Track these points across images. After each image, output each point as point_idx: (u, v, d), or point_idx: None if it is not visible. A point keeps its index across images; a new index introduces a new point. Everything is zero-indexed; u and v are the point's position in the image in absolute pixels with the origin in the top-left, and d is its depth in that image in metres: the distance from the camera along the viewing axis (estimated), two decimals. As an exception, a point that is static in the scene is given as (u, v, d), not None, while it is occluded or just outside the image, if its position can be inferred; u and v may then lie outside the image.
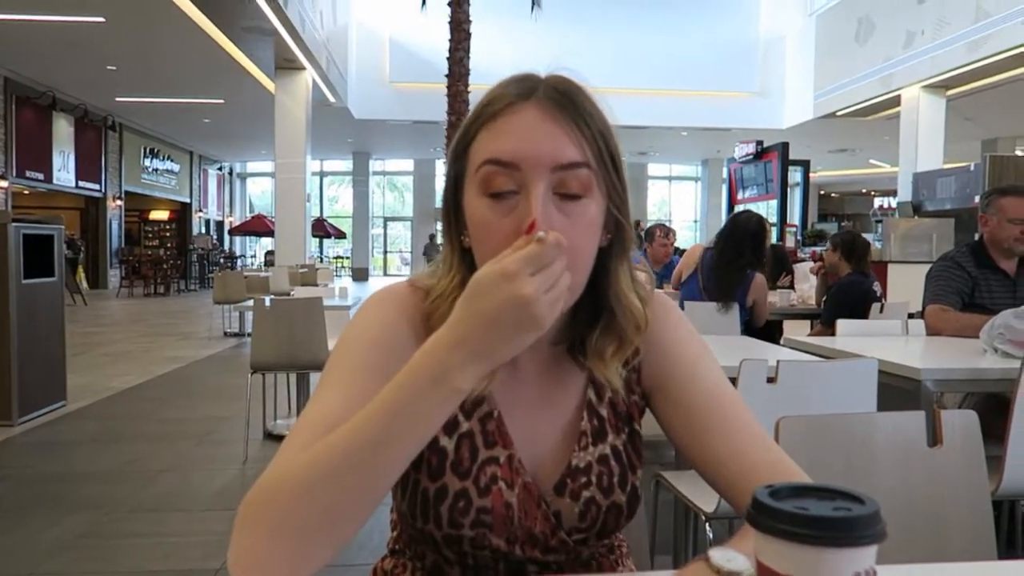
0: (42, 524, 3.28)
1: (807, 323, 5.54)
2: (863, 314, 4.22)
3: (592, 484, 1.03)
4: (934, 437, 1.48)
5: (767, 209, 13.44)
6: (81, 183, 17.70)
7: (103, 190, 18.90)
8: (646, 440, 1.14)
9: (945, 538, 1.45)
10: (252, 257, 28.51)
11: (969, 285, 3.33)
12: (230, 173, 28.62)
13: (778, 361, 2.12)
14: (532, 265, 0.76)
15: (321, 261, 19.59)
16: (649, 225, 7.00)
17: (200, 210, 25.39)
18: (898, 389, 2.48)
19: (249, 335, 5.08)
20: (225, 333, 10.25)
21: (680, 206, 27.12)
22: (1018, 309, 2.76)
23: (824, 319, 4.54)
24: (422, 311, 1.01)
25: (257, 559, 0.83)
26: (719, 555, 0.79)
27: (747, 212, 4.45)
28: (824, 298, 4.94)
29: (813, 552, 0.66)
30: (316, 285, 9.42)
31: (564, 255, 0.79)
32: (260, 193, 30.43)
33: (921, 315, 3.51)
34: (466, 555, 1.02)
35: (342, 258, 28.78)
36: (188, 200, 24.39)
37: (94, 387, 6.27)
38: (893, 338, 3.33)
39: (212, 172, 26.69)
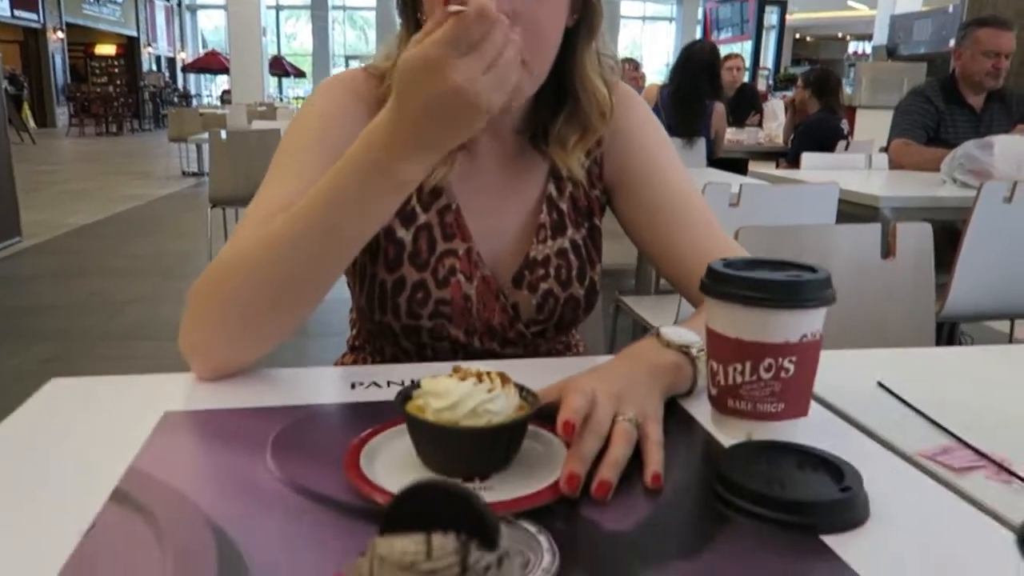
0: (3, 355, 3.28)
1: (773, 163, 5.55)
2: (830, 152, 4.23)
3: (550, 277, 1.04)
4: (888, 249, 1.51)
5: (741, 50, 13.09)
6: (17, 12, 16.52)
7: (42, 21, 17.69)
8: (606, 268, 1.14)
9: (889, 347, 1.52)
10: (208, 96, 27.37)
11: (935, 120, 3.33)
12: (179, 4, 26.86)
13: (741, 185, 2.13)
14: (455, 46, 0.66)
15: (281, 101, 18.88)
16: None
17: (149, 45, 24.02)
18: (857, 217, 2.52)
19: (207, 174, 4.94)
20: (183, 172, 9.99)
21: (653, 48, 26.34)
22: (980, 140, 2.77)
23: (790, 157, 4.55)
24: (376, 96, 0.96)
25: (206, 341, 0.84)
26: (670, 331, 0.81)
27: (700, 42, 4.37)
28: (792, 137, 4.92)
29: (762, 314, 0.67)
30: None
31: (503, 25, 0.68)
32: (213, 28, 28.74)
33: (886, 150, 3.53)
34: (425, 347, 1.04)
35: (302, 98, 27.76)
36: (135, 34, 23.01)
37: (51, 224, 6.14)
38: (856, 171, 3.36)
39: (159, 3, 25.02)
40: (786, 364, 0.68)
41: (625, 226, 1.10)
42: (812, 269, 0.70)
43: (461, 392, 0.62)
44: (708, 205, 1.07)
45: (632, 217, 1.08)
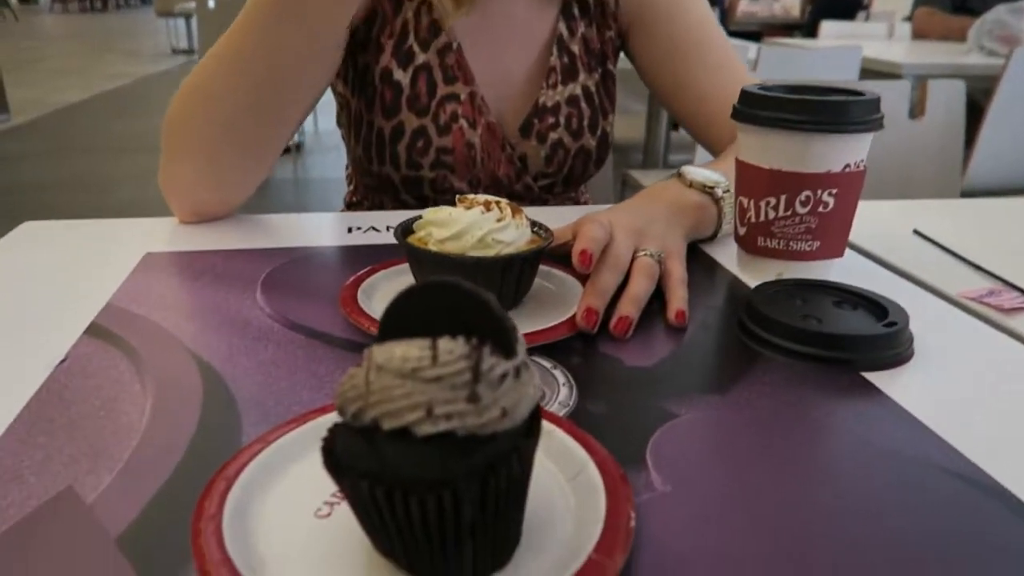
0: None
1: (788, 37, 5.31)
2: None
3: (560, 125, 0.96)
4: (918, 108, 1.42)
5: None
6: None
7: None
8: (613, 143, 1.06)
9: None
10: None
11: (963, -14, 3.13)
12: None
13: (759, 47, 2.00)
14: None
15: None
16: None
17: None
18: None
19: (197, 52, 4.73)
20: (173, 50, 9.62)
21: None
22: (1013, 4, 2.60)
23: (806, 29, 4.33)
24: None
25: (175, 176, 0.79)
26: (693, 170, 0.74)
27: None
28: (808, 8, 4.67)
29: (803, 140, 0.60)
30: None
31: None
32: None
33: (909, 19, 3.34)
34: (427, 199, 0.97)
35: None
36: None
37: (39, 102, 5.95)
38: (877, 39, 3.19)
39: None
40: (825, 197, 0.61)
41: (641, 69, 1.01)
42: (858, 93, 0.63)
43: (467, 221, 0.55)
44: (731, 45, 0.98)
45: (649, 57, 0.99)
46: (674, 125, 2.74)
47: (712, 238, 0.75)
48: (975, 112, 2.29)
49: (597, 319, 0.55)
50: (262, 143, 0.79)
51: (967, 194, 2.30)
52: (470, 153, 0.93)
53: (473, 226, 0.55)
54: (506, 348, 0.31)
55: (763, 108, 0.61)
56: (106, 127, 5.36)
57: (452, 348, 0.30)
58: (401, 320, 0.32)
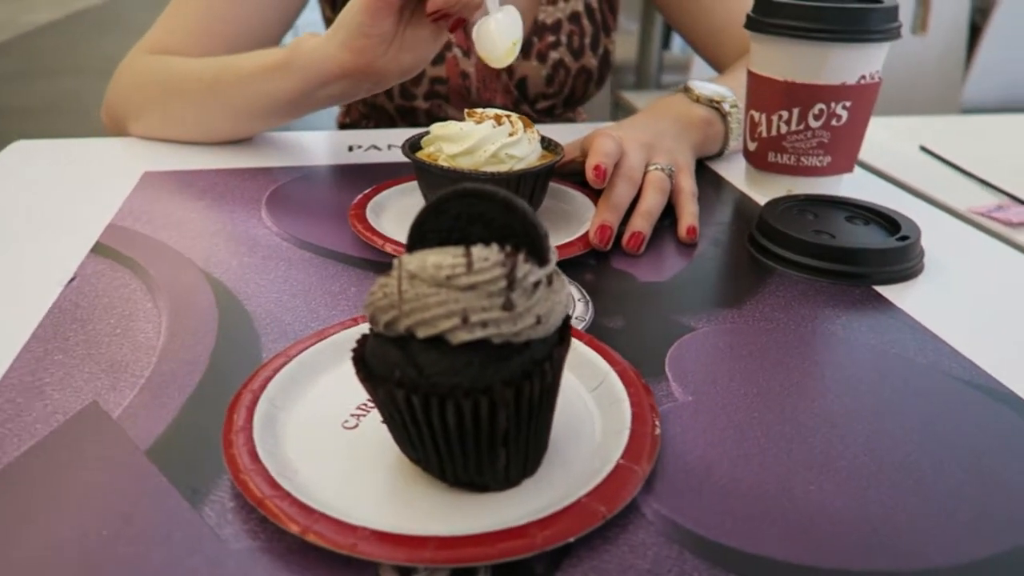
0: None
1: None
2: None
3: (561, 44, 0.93)
4: (920, 23, 1.39)
5: None
6: None
7: None
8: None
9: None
10: None
11: None
12: None
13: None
14: None
15: None
16: None
17: None
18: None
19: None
20: (146, -33, 9.23)
21: None
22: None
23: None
24: None
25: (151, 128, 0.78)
26: (700, 84, 0.72)
27: None
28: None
29: (819, 50, 0.59)
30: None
31: None
32: None
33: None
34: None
35: None
36: None
37: (9, 22, 5.72)
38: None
39: None
40: (839, 110, 0.60)
41: None
42: (875, 0, 0.61)
43: (479, 135, 0.54)
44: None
45: None
46: (666, 44, 2.68)
47: (719, 155, 0.74)
48: (974, 31, 2.25)
49: (611, 235, 0.55)
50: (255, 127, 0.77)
51: (965, 111, 2.28)
52: (464, 83, 0.91)
53: (486, 140, 0.54)
54: (539, 256, 0.30)
55: (777, 16, 0.60)
56: (80, 48, 5.18)
57: (487, 256, 0.29)
58: (432, 230, 0.32)
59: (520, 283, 0.29)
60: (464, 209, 0.31)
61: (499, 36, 0.59)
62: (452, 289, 0.29)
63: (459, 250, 0.30)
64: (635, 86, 2.77)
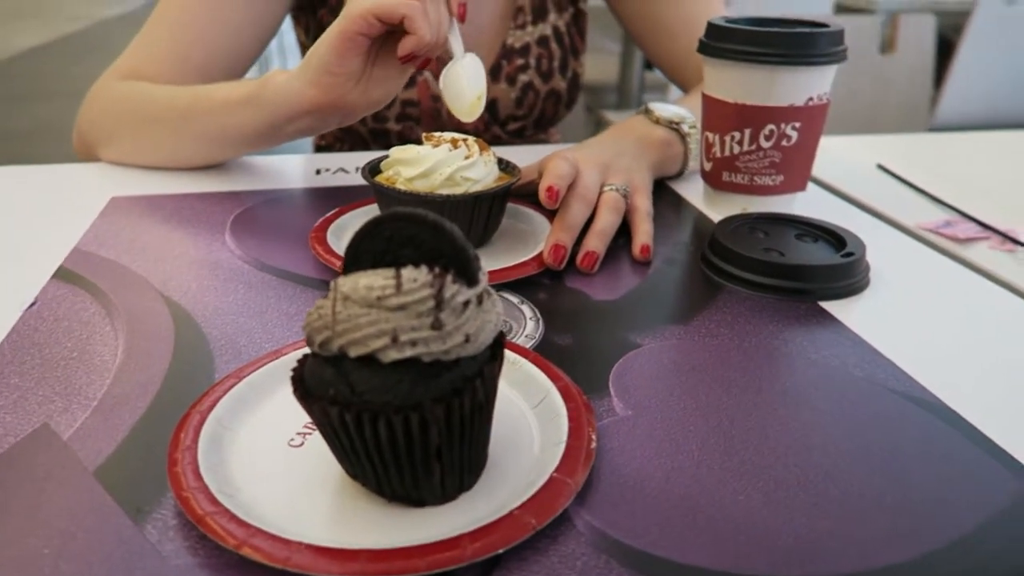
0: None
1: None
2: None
3: (530, 68, 0.95)
4: (888, 43, 1.42)
5: None
6: None
7: None
8: (587, 85, 1.05)
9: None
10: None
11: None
12: None
13: (733, -18, 1.98)
14: None
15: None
16: None
17: None
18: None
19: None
20: (133, -8, 9.28)
21: None
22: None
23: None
24: None
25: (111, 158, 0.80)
26: (659, 106, 0.74)
27: None
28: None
29: (767, 73, 0.60)
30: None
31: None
32: None
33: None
34: None
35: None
36: None
37: (-6, 47, 5.74)
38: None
39: None
40: (788, 131, 0.62)
41: (613, 5, 1.01)
42: (824, 25, 0.63)
43: (435, 158, 0.56)
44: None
45: None
46: (647, 65, 2.72)
47: (679, 175, 0.76)
48: (945, 49, 2.30)
49: (565, 255, 0.56)
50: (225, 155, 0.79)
51: (936, 131, 2.32)
52: (435, 105, 0.92)
53: (441, 164, 0.55)
54: (468, 276, 0.32)
55: (727, 41, 0.62)
56: (66, 72, 5.20)
57: (416, 277, 0.31)
58: (366, 252, 0.33)
59: (448, 303, 0.31)
60: (396, 232, 0.32)
61: (466, 86, 0.61)
62: (382, 309, 0.30)
63: (390, 272, 0.31)
64: (616, 106, 2.80)
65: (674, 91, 1.68)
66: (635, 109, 2.42)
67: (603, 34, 2.79)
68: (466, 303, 0.31)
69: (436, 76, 0.91)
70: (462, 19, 0.63)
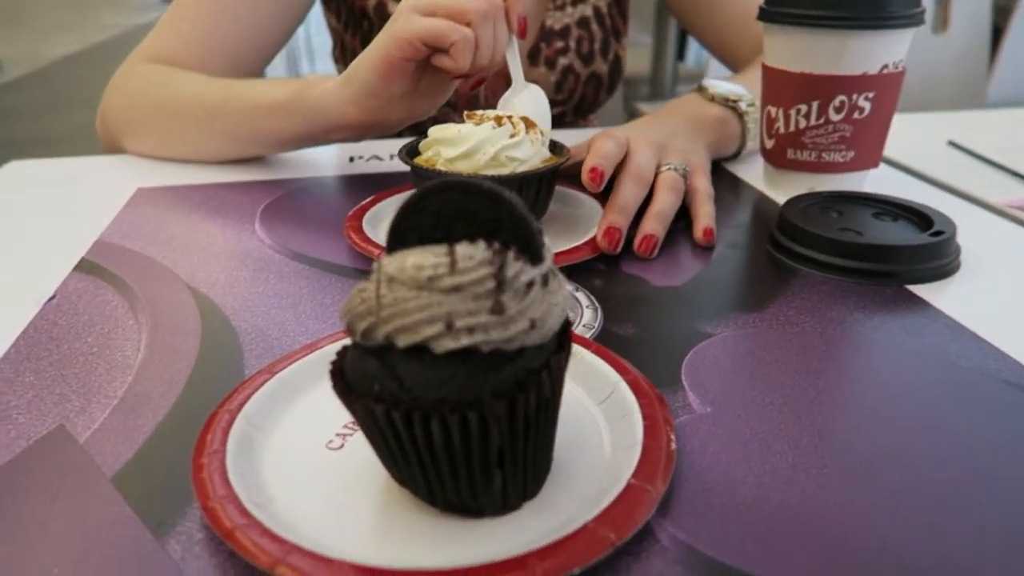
0: None
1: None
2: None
3: (570, 50, 0.91)
4: (941, 22, 1.35)
5: None
6: None
7: None
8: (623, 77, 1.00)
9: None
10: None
11: None
12: None
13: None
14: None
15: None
16: None
17: None
18: None
19: None
20: (164, -1, 9.42)
21: None
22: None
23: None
24: None
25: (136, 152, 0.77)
26: (715, 83, 0.69)
27: None
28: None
29: (837, 38, 0.55)
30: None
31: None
32: None
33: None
34: None
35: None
36: None
37: (31, 56, 5.83)
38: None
39: None
40: (861, 102, 0.57)
41: None
42: (897, -15, 0.58)
43: (478, 137, 0.51)
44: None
45: None
46: (680, 56, 2.66)
47: (735, 156, 0.71)
48: (996, 31, 2.20)
49: (620, 238, 0.51)
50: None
51: (992, 106, 2.22)
52: (473, 90, 0.88)
53: (485, 143, 0.51)
54: (532, 253, 0.27)
55: (791, 4, 0.56)
56: (99, 80, 5.24)
57: (472, 254, 0.26)
58: (411, 229, 0.29)
59: (511, 284, 0.26)
60: (445, 204, 0.28)
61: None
62: (434, 292, 0.26)
63: (441, 249, 0.27)
64: (649, 97, 2.74)
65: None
66: (668, 99, 2.35)
67: (634, 26, 2.74)
68: (530, 284, 0.27)
69: (489, 95, 0.87)
70: (522, 35, 0.58)
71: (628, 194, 0.53)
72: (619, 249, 0.51)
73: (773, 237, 0.53)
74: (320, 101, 0.61)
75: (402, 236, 0.29)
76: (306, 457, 0.33)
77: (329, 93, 0.60)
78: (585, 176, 0.53)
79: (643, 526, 0.28)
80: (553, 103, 0.93)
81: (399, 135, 0.93)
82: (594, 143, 0.56)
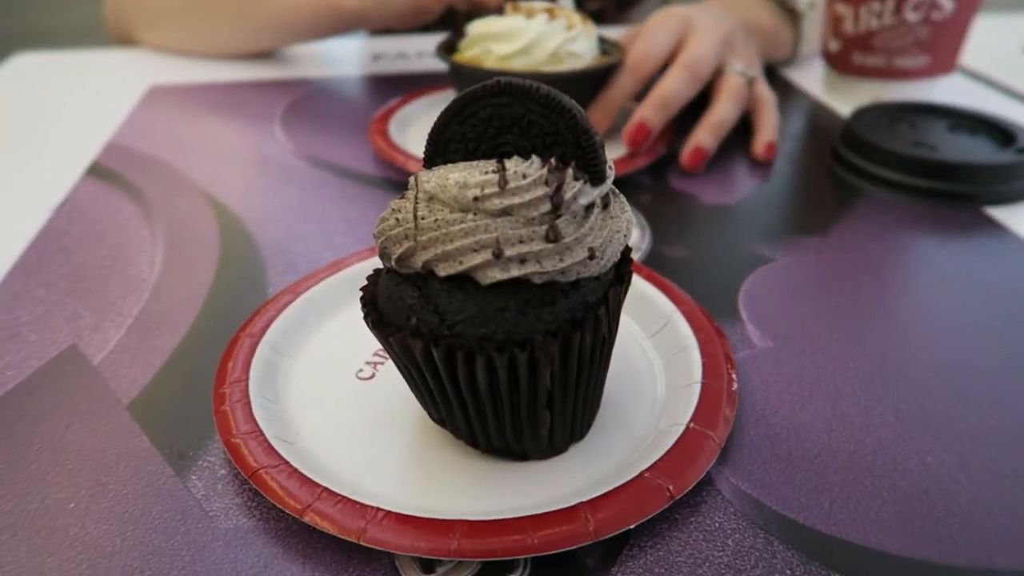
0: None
1: None
2: None
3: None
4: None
5: None
6: None
7: None
8: None
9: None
10: None
11: None
12: None
13: None
14: None
15: None
16: None
17: None
18: None
19: None
20: None
21: None
22: None
23: None
24: None
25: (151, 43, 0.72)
26: None
27: None
28: None
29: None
30: None
31: None
32: None
33: None
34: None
35: None
36: None
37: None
38: None
39: None
40: (942, 0, 0.51)
41: None
42: None
43: (536, 31, 0.46)
44: None
45: None
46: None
47: (779, 65, 0.65)
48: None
49: (647, 138, 0.47)
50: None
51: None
52: None
53: (544, 37, 0.46)
54: (593, 171, 0.24)
55: None
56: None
57: (525, 171, 0.23)
58: (454, 139, 0.25)
59: (568, 206, 0.23)
60: (495, 111, 0.24)
61: None
62: (481, 214, 0.23)
63: (490, 164, 0.23)
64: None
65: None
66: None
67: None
68: (590, 207, 0.24)
69: None
70: None
71: (676, 88, 0.47)
72: (642, 148, 0.47)
73: (836, 151, 0.49)
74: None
75: (443, 147, 0.25)
76: (334, 388, 0.30)
77: None
78: (627, 131, 0.47)
79: (704, 477, 0.26)
80: (592, -4, 0.87)
81: (426, 29, 0.88)
82: (645, 30, 0.50)
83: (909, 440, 0.28)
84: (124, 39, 0.73)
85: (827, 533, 0.24)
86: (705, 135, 0.48)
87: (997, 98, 0.60)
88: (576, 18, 0.48)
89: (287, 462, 0.25)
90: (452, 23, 0.85)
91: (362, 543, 0.23)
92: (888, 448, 0.28)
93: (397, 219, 0.24)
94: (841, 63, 0.56)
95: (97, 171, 0.48)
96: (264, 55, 0.69)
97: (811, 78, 0.63)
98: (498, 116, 0.24)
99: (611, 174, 0.24)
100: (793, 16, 0.62)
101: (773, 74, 0.64)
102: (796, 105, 0.59)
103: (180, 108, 0.58)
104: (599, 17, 0.89)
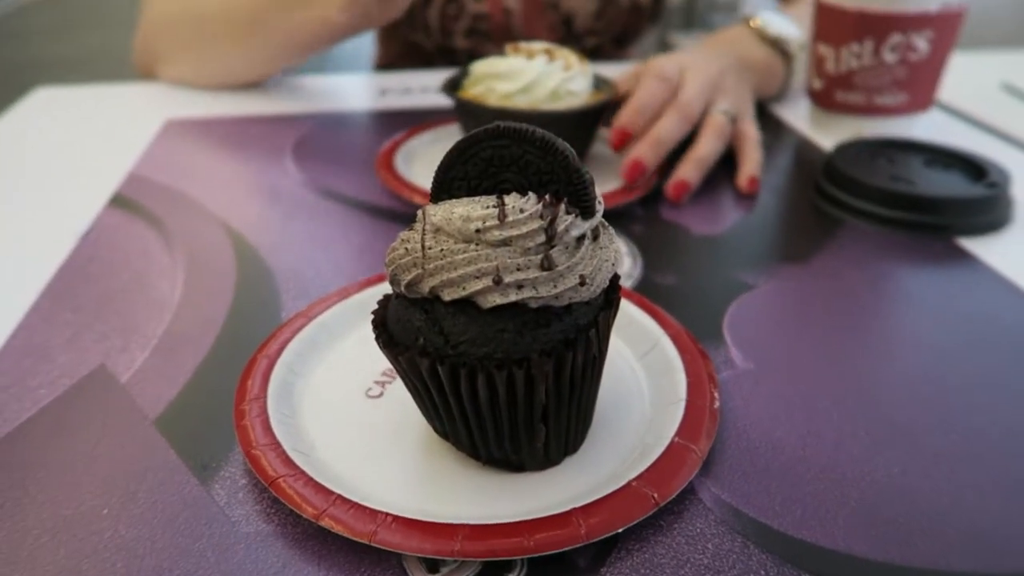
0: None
1: None
2: None
3: (610, -23, 0.87)
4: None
5: None
6: None
7: None
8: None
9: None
10: None
11: None
12: None
13: None
14: None
15: None
16: None
17: None
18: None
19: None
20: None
21: None
22: None
23: None
24: None
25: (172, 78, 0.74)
26: (768, 20, 0.66)
27: None
28: None
29: (898, -27, 0.52)
30: None
31: None
32: None
33: None
34: None
35: None
36: None
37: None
38: None
39: None
40: (918, 42, 0.54)
41: None
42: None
43: (536, 71, 0.49)
44: None
45: None
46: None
47: (773, 98, 0.68)
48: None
49: (643, 174, 0.50)
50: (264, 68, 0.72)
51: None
52: (508, 20, 0.85)
53: (544, 77, 0.49)
54: (584, 206, 0.26)
55: (853, -63, 0.53)
56: (118, 1, 5.18)
57: (522, 206, 0.25)
58: (458, 177, 0.28)
59: (561, 237, 0.25)
60: (496, 152, 0.27)
61: None
62: (483, 245, 0.25)
63: (491, 199, 0.26)
64: (683, 26, 2.66)
65: (743, 10, 1.56)
66: (700, 28, 2.28)
67: (670, -50, 2.63)
68: (580, 238, 0.26)
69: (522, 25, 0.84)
70: None
71: (669, 128, 0.51)
72: (638, 183, 0.50)
73: (818, 184, 0.51)
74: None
75: (449, 185, 0.28)
76: (346, 405, 0.33)
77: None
78: (619, 125, 0.51)
79: (686, 486, 0.28)
80: (592, 32, 0.90)
81: (428, 65, 0.91)
82: (644, 80, 0.53)
83: (877, 454, 0.30)
84: (147, 73, 0.76)
85: (799, 538, 0.27)
86: (688, 169, 0.51)
87: (974, 133, 0.63)
88: (573, 59, 0.51)
89: (303, 472, 0.28)
90: (455, 62, 0.89)
91: (373, 544, 0.25)
92: (857, 461, 0.30)
93: (406, 248, 0.26)
94: (824, 100, 0.59)
95: (119, 201, 0.51)
96: (273, 88, 0.72)
97: (797, 114, 0.66)
98: (498, 156, 0.27)
99: (600, 208, 0.27)
100: (786, 57, 0.66)
101: (763, 110, 0.67)
102: (783, 140, 0.62)
103: (196, 141, 0.61)
104: (597, 53, 0.93)
